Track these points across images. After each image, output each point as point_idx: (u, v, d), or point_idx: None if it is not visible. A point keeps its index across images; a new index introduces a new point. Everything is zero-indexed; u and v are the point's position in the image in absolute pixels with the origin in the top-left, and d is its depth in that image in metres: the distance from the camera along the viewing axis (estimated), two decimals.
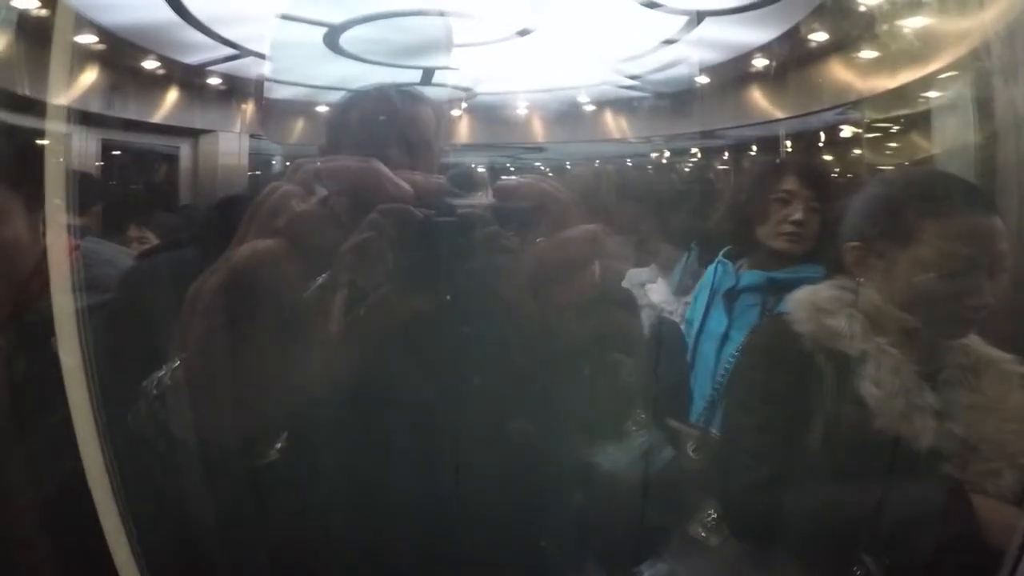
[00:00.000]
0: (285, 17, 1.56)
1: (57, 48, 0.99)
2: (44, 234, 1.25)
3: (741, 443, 1.23)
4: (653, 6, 2.16)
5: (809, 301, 1.22)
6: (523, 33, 2.21)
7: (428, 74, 1.64)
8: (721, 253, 1.97)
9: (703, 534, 1.29)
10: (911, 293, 1.13)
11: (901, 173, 1.53)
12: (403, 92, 1.07)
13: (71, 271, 0.90)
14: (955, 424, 1.10)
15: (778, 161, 2.08)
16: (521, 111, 2.67)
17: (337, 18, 1.82)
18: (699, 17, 2.30)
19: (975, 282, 1.08)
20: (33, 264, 1.22)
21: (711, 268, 1.99)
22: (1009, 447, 1.09)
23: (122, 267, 1.24)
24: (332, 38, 1.86)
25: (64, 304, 0.85)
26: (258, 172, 2.57)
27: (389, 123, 0.97)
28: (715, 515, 1.29)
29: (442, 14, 1.53)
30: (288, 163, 0.81)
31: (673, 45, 2.35)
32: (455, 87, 1.83)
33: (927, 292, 1.11)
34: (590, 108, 2.76)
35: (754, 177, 1.98)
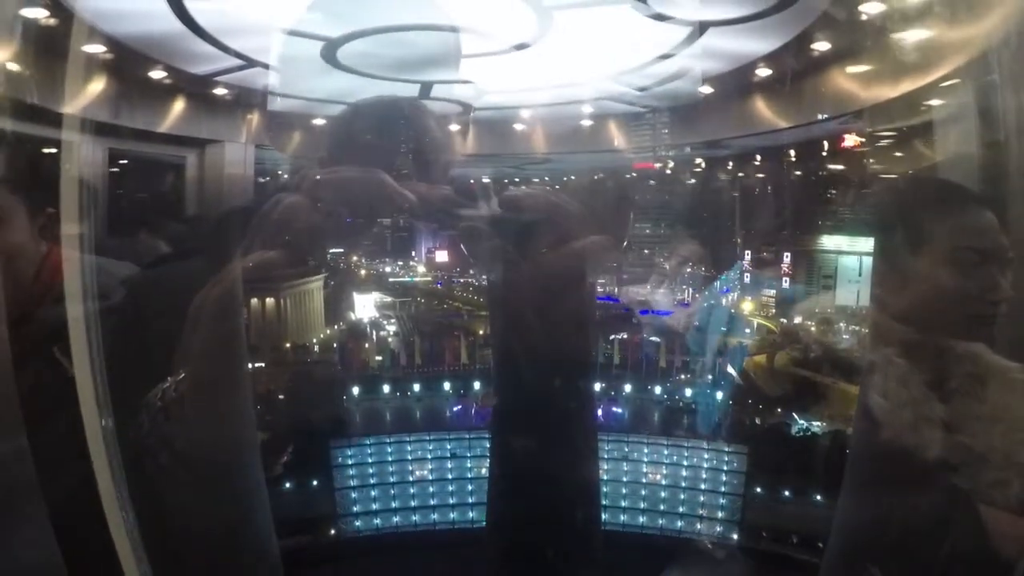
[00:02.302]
0: (285, 31, 1.58)
1: (73, 59, 0.99)
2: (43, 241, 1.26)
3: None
4: (658, 18, 2.17)
5: (816, 310, 1.22)
6: (520, 47, 2.22)
7: (427, 88, 1.65)
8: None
9: (710, 545, 1.28)
10: (931, 296, 1.12)
11: (898, 184, 1.55)
12: (410, 104, 1.07)
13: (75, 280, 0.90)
14: (963, 434, 1.09)
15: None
16: (524, 123, 2.69)
17: (334, 32, 1.83)
18: (702, 28, 2.30)
19: (991, 276, 1.09)
20: (34, 270, 1.23)
21: (719, 278, 2.01)
22: (1017, 456, 1.07)
23: (119, 277, 1.24)
24: (330, 52, 1.87)
25: (76, 314, 0.85)
26: (264, 181, 2.58)
27: (397, 135, 0.97)
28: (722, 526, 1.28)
29: (445, 29, 1.54)
30: (294, 174, 0.82)
31: (676, 56, 2.35)
32: (456, 101, 1.84)
33: (949, 292, 1.10)
34: (594, 119, 2.77)
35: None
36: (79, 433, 0.80)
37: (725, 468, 2.13)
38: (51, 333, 0.96)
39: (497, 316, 0.90)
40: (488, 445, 1.07)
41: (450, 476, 2.47)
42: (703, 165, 2.97)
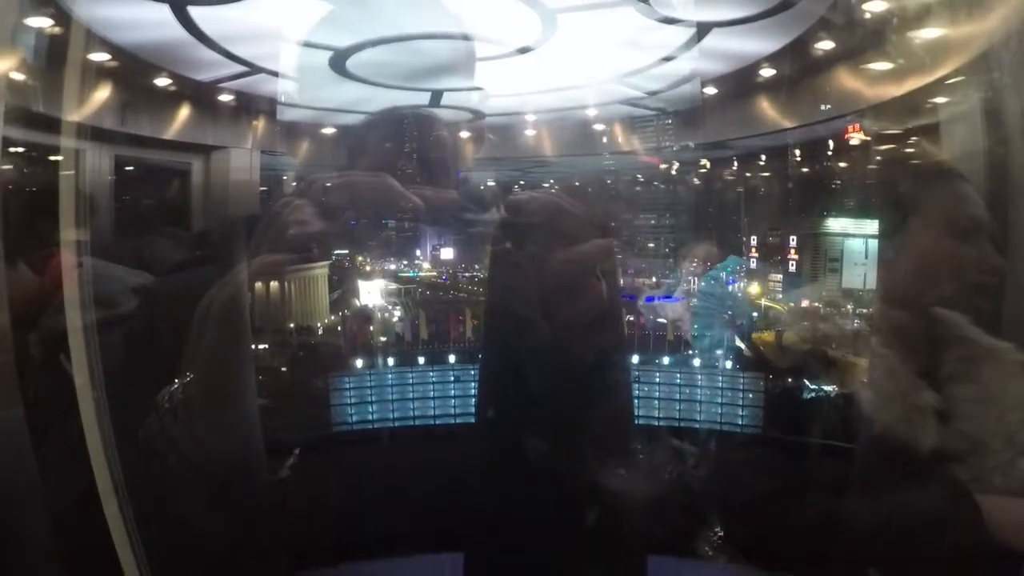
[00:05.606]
0: (294, 42, 1.59)
1: (71, 66, 1.01)
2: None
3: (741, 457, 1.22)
4: (660, 20, 2.17)
5: (823, 293, 1.22)
6: (523, 51, 2.23)
7: (436, 95, 1.66)
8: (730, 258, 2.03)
9: (709, 552, 1.28)
10: (932, 266, 1.11)
11: (892, 168, 1.60)
12: (421, 113, 1.09)
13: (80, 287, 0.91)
14: (959, 420, 1.08)
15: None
16: (530, 127, 2.69)
17: (343, 42, 1.84)
18: (704, 29, 2.30)
19: (982, 244, 1.09)
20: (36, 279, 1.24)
21: (723, 274, 2.04)
22: (1017, 437, 1.06)
23: (125, 283, 1.25)
24: (338, 62, 1.88)
25: (76, 321, 0.86)
26: (269, 188, 2.59)
27: (408, 143, 0.99)
28: (721, 532, 1.28)
29: (454, 37, 1.55)
30: (300, 179, 0.83)
31: (679, 58, 2.36)
32: (464, 107, 1.85)
33: (948, 260, 1.09)
34: (598, 122, 2.77)
35: None
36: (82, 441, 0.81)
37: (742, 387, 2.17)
38: (58, 339, 0.97)
39: (497, 317, 0.90)
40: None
41: (452, 393, 2.47)
42: (708, 165, 2.97)
